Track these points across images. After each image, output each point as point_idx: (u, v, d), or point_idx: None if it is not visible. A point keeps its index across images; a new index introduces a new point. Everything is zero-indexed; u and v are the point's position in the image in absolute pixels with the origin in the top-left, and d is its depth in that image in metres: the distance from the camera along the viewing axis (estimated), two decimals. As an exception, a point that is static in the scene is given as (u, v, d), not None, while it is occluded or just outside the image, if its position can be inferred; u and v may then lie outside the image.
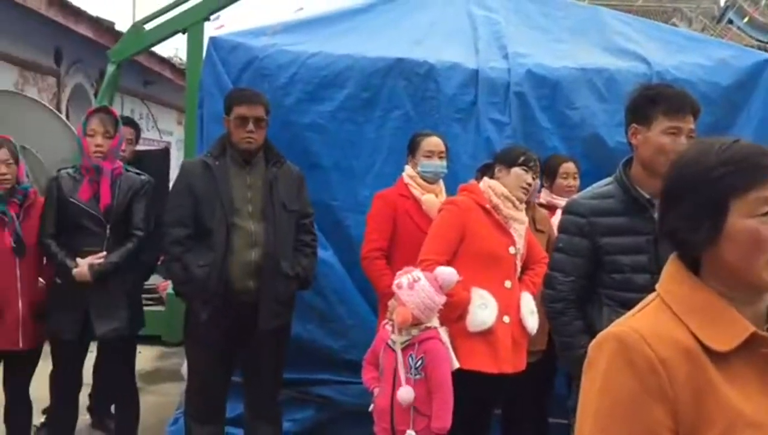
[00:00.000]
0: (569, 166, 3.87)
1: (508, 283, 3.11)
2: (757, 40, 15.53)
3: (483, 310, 3.01)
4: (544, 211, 3.75)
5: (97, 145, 3.40)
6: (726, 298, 1.18)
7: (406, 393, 2.85)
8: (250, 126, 3.27)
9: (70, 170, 3.48)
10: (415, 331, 2.91)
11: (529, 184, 3.19)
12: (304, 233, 3.44)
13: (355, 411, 3.66)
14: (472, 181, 3.29)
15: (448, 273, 2.92)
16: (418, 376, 2.88)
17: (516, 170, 3.17)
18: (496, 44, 4.51)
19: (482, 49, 4.45)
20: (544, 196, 3.90)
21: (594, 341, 1.23)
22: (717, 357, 1.14)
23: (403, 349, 2.91)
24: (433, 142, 3.58)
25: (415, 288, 2.87)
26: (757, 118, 4.16)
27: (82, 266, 3.32)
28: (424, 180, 3.57)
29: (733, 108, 4.18)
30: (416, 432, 2.84)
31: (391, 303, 2.97)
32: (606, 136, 4.07)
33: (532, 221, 3.63)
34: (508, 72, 4.24)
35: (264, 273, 3.23)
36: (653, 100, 2.33)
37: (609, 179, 2.49)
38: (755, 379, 1.15)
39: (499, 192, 3.15)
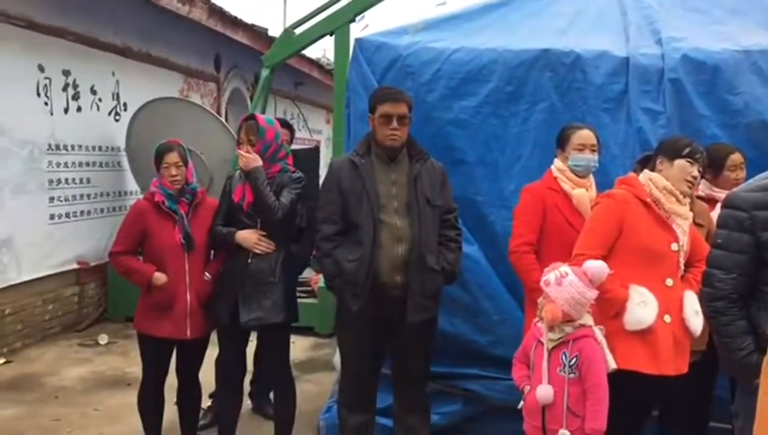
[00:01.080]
0: (737, 157, 3.61)
1: (669, 281, 2.96)
2: None
3: (642, 308, 2.87)
4: (703, 204, 3.53)
5: (247, 151, 3.62)
6: None
7: (544, 392, 2.82)
8: (394, 123, 3.34)
9: (240, 172, 3.72)
10: (568, 329, 2.85)
11: (695, 178, 3.01)
12: (449, 228, 3.46)
13: (503, 407, 3.66)
14: (631, 174, 3.14)
15: (597, 266, 2.83)
16: (572, 375, 2.82)
17: (680, 162, 3.00)
18: (648, 29, 4.30)
19: (633, 35, 4.26)
20: (704, 189, 3.67)
21: None
22: None
23: (557, 347, 2.86)
24: (585, 135, 3.48)
25: (563, 283, 2.81)
26: None
27: (250, 233, 3.58)
28: (575, 174, 3.48)
29: None
30: (570, 432, 2.79)
31: (540, 301, 2.93)
32: (774, 122, 3.77)
33: (690, 214, 3.45)
34: (662, 58, 4.03)
35: (410, 267, 3.29)
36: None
37: (773, 170, 2.32)
38: None
39: (661, 185, 2.99)
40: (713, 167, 3.60)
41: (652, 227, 2.97)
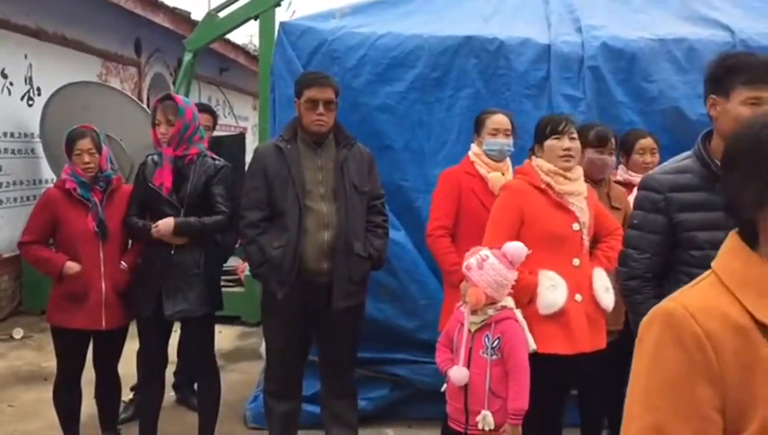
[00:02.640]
0: (646, 142, 3.73)
1: (576, 261, 3.02)
2: None
3: (552, 291, 2.94)
4: (620, 188, 3.63)
5: (161, 134, 3.52)
6: None
7: (459, 373, 2.86)
8: (320, 108, 3.30)
9: (156, 156, 3.60)
10: (491, 311, 2.89)
11: (568, 149, 3.02)
12: (376, 214, 3.46)
13: (429, 390, 3.68)
14: (526, 162, 3.21)
15: (516, 247, 2.88)
16: (494, 357, 2.86)
17: (548, 143, 3.06)
18: (569, 17, 4.40)
19: (554, 22, 4.36)
20: (621, 173, 3.79)
21: (645, 318, 1.19)
22: None
23: (479, 330, 2.89)
24: (499, 120, 3.52)
25: (485, 267, 2.85)
26: None
27: (167, 220, 3.43)
28: (490, 158, 3.52)
29: (825, 75, 3.94)
30: (492, 413, 2.83)
31: (463, 285, 2.96)
32: (687, 108, 3.92)
33: (608, 198, 3.54)
34: (582, 46, 4.13)
35: (337, 254, 3.28)
36: (732, 69, 2.23)
37: (687, 153, 2.40)
38: None
39: (545, 169, 3.04)
40: (625, 151, 3.72)
41: (550, 211, 3.02)
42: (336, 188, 3.32)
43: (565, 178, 3.04)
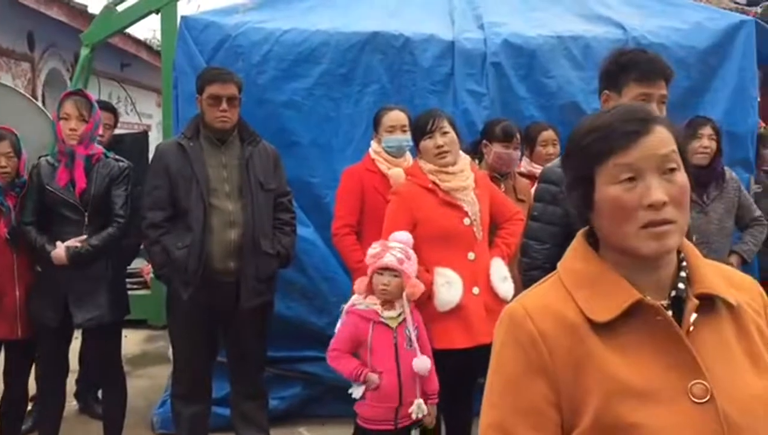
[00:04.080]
0: (548, 134, 3.87)
1: (471, 255, 3.07)
2: (735, 3, 15.45)
3: (447, 288, 2.99)
4: (524, 181, 3.75)
5: (71, 129, 3.35)
6: (622, 269, 1.15)
7: (423, 362, 2.86)
8: (223, 105, 3.24)
9: (50, 157, 3.44)
10: (405, 303, 2.91)
11: (441, 146, 3.06)
12: (283, 211, 3.43)
13: (342, 387, 3.67)
14: (414, 163, 3.23)
15: (402, 235, 2.94)
16: (412, 347, 2.89)
17: (422, 144, 3.12)
18: (471, 14, 4.49)
19: (457, 19, 4.44)
20: (525, 165, 3.90)
21: (499, 317, 1.22)
22: (602, 328, 1.11)
23: (399, 324, 2.90)
24: (395, 117, 3.54)
25: (411, 257, 2.91)
26: (734, 81, 4.17)
27: (59, 248, 3.29)
28: (390, 154, 3.53)
29: (709, 71, 4.18)
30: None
31: (361, 281, 2.94)
32: (583, 103, 4.07)
33: (514, 191, 3.64)
34: (484, 42, 4.23)
35: (244, 252, 3.23)
36: (624, 66, 2.31)
37: (584, 146, 2.48)
38: (645, 347, 1.11)
39: (428, 169, 3.09)
40: (529, 144, 3.84)
41: (440, 210, 3.07)
42: (241, 186, 3.27)
43: (448, 173, 3.08)
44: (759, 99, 4.44)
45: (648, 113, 1.18)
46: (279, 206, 3.41)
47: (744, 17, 4.39)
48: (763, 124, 5.65)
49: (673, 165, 1.13)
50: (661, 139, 1.13)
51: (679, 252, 1.18)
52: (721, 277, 1.21)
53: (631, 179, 1.11)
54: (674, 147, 1.14)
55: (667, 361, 1.10)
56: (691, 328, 1.13)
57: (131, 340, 5.83)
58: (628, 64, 2.31)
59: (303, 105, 4.10)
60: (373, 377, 2.86)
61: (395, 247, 2.90)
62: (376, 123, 3.59)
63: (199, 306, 3.22)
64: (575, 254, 1.21)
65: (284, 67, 4.10)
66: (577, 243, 1.23)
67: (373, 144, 3.60)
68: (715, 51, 4.18)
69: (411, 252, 2.93)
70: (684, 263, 1.19)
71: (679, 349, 1.11)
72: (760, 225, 3.89)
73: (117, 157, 3.53)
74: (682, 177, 1.13)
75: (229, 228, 3.23)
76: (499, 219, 3.28)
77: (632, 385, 1.08)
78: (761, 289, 1.27)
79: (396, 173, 3.44)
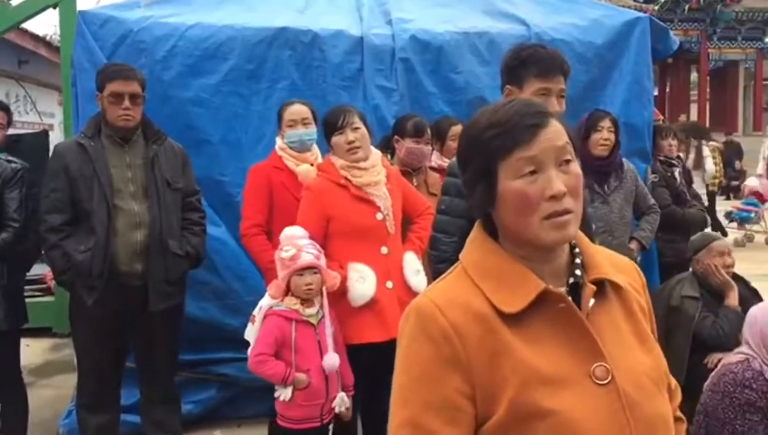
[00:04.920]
0: (458, 129, 3.91)
1: (384, 250, 3.09)
2: (635, 1, 16.18)
3: (361, 283, 3.00)
4: (435, 175, 3.79)
5: None
6: (522, 259, 1.18)
7: (333, 359, 2.85)
8: (126, 103, 3.14)
9: None
10: (325, 299, 2.91)
11: (352, 142, 3.06)
12: (191, 211, 3.35)
13: (258, 387, 3.63)
14: (326, 158, 3.22)
15: (298, 231, 2.93)
16: (331, 342, 2.89)
17: (333, 140, 3.10)
18: (379, 10, 4.52)
19: (366, 15, 4.45)
20: (436, 160, 3.95)
21: (403, 314, 1.22)
22: (511, 318, 1.13)
23: (320, 321, 2.90)
24: (295, 110, 3.46)
25: (321, 250, 2.90)
26: (630, 75, 4.35)
27: None
28: (294, 150, 3.47)
29: (607, 66, 4.35)
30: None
31: (276, 287, 2.90)
32: (490, 98, 4.13)
33: (425, 185, 3.68)
34: (393, 38, 4.26)
35: (151, 254, 3.14)
36: (524, 62, 2.37)
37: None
38: (551, 335, 1.14)
39: (339, 165, 3.09)
40: (439, 138, 3.90)
41: (353, 205, 3.06)
42: (147, 186, 3.18)
43: (360, 169, 3.08)
44: (656, 92, 4.66)
45: (542, 106, 1.21)
46: (187, 206, 3.34)
47: (639, 14, 4.57)
48: (660, 116, 5.93)
49: (569, 156, 1.16)
50: (557, 132, 1.16)
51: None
52: (609, 262, 1.25)
53: (532, 172, 1.14)
54: (568, 139, 1.18)
55: (571, 347, 1.14)
56: (589, 313, 1.17)
57: (35, 350, 5.58)
58: (528, 60, 2.37)
59: (211, 102, 4.03)
60: (302, 377, 2.84)
61: (307, 244, 2.88)
62: (279, 118, 3.53)
63: (105, 311, 3.11)
64: (476, 246, 1.23)
65: (190, 63, 4.02)
66: (477, 234, 1.25)
67: (278, 140, 3.55)
68: (612, 46, 4.35)
69: (317, 245, 2.94)
70: (577, 250, 1.23)
71: (582, 333, 1.15)
72: (655, 213, 4.11)
73: (10, 158, 3.37)
74: (576, 168, 1.17)
75: (134, 229, 3.13)
76: (412, 214, 3.31)
77: (543, 373, 1.11)
78: (638, 269, 1.34)
79: (304, 170, 3.40)
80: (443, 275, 1.25)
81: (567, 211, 1.14)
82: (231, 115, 4.06)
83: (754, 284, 3.83)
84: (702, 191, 8.99)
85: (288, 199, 3.37)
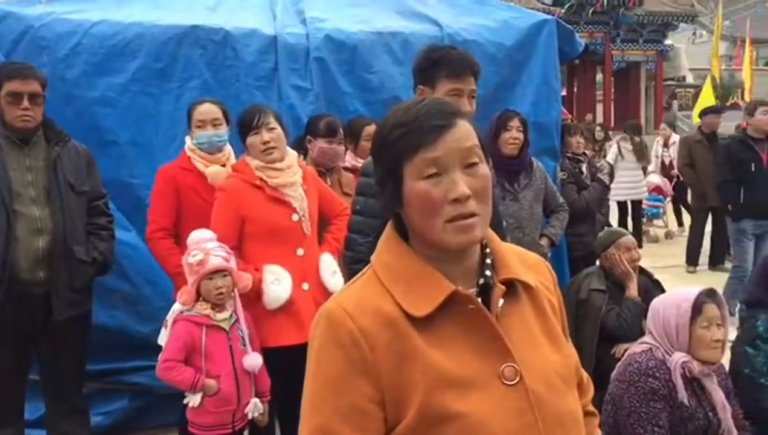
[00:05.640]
0: (372, 129, 3.93)
1: (300, 251, 3.06)
2: (542, 3, 16.69)
3: (276, 285, 2.97)
4: (349, 175, 3.79)
5: None
6: (432, 260, 1.18)
7: (255, 359, 2.83)
8: (25, 103, 3.00)
9: None
10: (238, 302, 2.87)
11: (267, 142, 3.02)
12: (98, 215, 3.24)
13: (171, 395, 3.53)
14: (241, 159, 3.17)
15: (206, 234, 2.88)
16: (245, 347, 2.85)
17: (248, 140, 3.05)
18: (293, 9, 4.49)
19: (279, 14, 4.41)
20: (349, 160, 3.95)
21: (314, 318, 1.21)
22: (421, 322, 1.13)
23: (232, 325, 2.85)
24: (204, 110, 3.36)
25: (230, 252, 2.86)
26: (539, 75, 4.48)
27: None
28: (204, 151, 3.37)
29: (516, 66, 4.46)
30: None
31: (186, 293, 2.83)
32: (405, 98, 4.10)
33: (339, 185, 3.68)
34: (307, 37, 4.24)
35: (55, 261, 3.01)
36: (436, 63, 2.40)
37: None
38: (461, 337, 1.14)
39: (254, 165, 3.04)
40: (353, 138, 3.90)
41: (268, 206, 3.02)
42: (49, 189, 3.04)
43: (275, 169, 3.04)
44: (564, 92, 4.82)
45: (453, 107, 1.21)
46: (94, 210, 3.21)
47: (546, 16, 4.71)
48: (568, 115, 6.12)
49: (476, 159, 1.16)
50: (464, 133, 1.16)
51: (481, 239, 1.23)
52: (519, 261, 1.27)
53: (436, 174, 1.13)
54: (476, 141, 1.18)
55: (480, 348, 1.14)
56: (499, 313, 1.18)
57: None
58: (440, 61, 2.41)
59: (118, 101, 3.89)
60: (211, 383, 2.79)
61: (215, 247, 2.82)
62: (188, 118, 3.42)
63: (6, 321, 2.95)
64: (387, 247, 1.22)
65: (96, 61, 3.87)
66: (388, 235, 1.24)
67: (188, 140, 3.44)
68: (521, 48, 4.46)
69: (227, 247, 2.88)
70: (488, 250, 1.24)
71: (491, 334, 1.15)
72: (563, 210, 4.26)
73: None
74: (484, 169, 1.17)
75: (36, 235, 2.99)
76: (329, 214, 3.30)
77: (452, 376, 1.11)
78: (549, 266, 1.36)
79: (213, 171, 3.32)
80: (354, 278, 1.24)
81: (472, 214, 1.14)
82: (141, 115, 3.94)
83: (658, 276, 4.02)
84: (658, 180, 9.46)
85: (196, 201, 3.29)
